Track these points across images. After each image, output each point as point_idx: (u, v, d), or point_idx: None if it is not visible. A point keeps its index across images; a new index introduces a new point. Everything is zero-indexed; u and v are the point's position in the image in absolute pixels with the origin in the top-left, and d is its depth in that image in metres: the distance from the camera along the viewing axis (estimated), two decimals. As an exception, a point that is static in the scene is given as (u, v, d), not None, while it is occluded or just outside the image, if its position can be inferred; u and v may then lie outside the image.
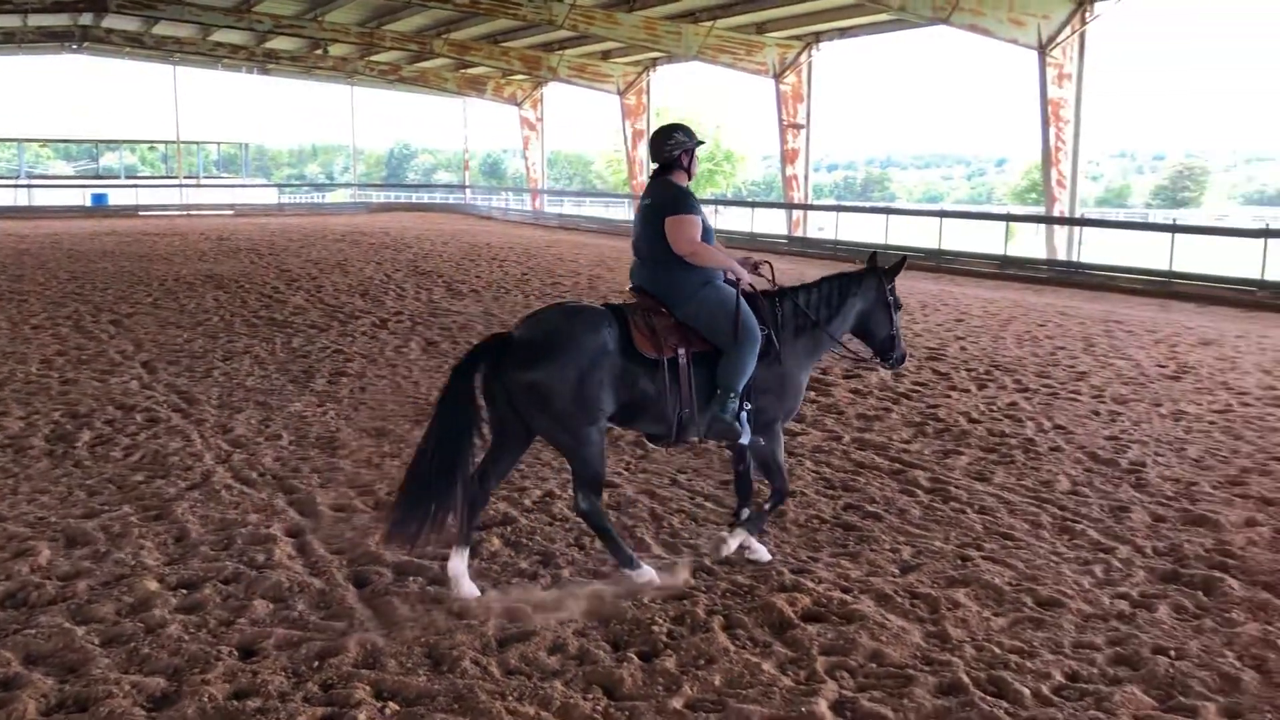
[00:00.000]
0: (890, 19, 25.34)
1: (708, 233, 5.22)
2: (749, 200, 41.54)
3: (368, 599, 4.84)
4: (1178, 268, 18.61)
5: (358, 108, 51.44)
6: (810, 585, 4.99)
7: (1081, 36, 22.42)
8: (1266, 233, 18.26)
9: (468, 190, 54.85)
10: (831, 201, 68.61)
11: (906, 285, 18.76)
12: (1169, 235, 19.54)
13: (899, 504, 6.33)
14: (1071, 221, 22.76)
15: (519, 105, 45.60)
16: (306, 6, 33.50)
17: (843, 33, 28.92)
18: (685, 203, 5.17)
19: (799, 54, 30.17)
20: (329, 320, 13.23)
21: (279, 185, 58.04)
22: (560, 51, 37.23)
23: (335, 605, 4.76)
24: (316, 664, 4.19)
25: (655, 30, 29.47)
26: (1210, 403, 9.22)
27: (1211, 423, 8.50)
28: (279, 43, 40.80)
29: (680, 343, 5.05)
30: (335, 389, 9.36)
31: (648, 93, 38.03)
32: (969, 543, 5.69)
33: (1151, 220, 43.56)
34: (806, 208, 30.98)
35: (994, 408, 8.97)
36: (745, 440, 5.22)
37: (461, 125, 52.16)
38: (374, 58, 42.71)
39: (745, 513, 5.46)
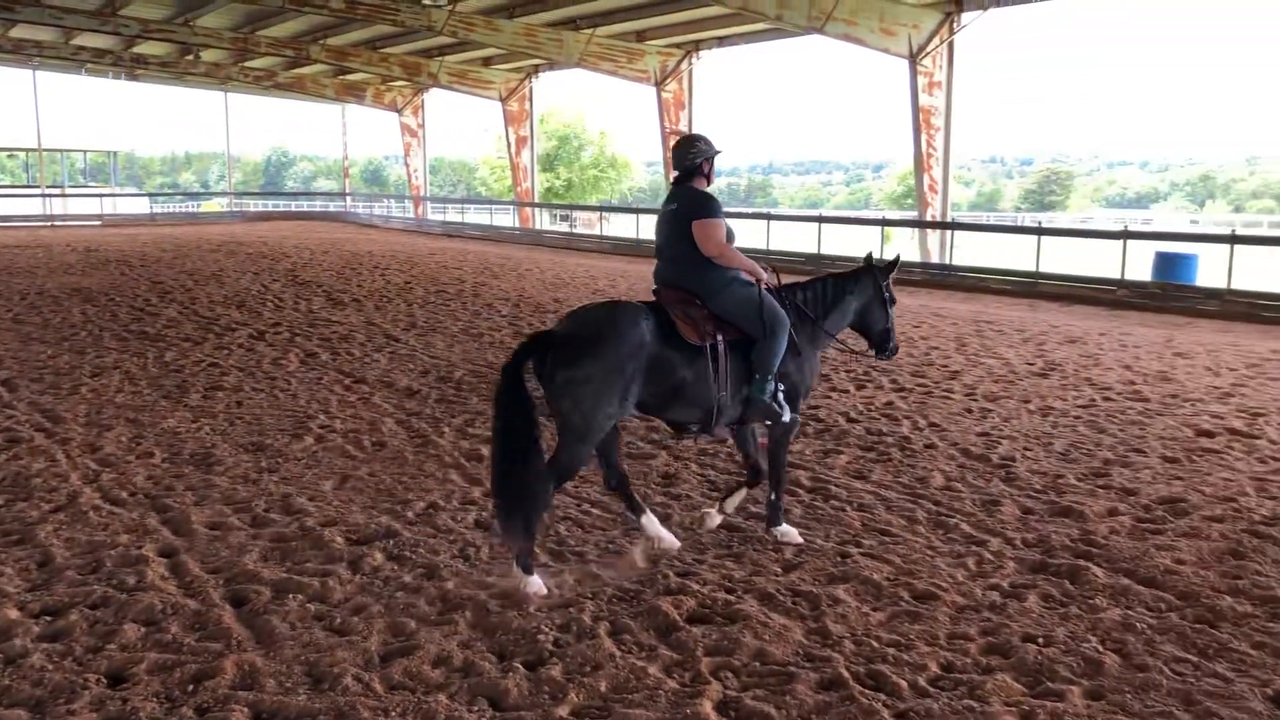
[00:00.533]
0: (767, 28, 25.78)
1: (729, 235, 5.62)
2: (634, 207, 41.72)
3: (246, 618, 4.71)
4: (1044, 269, 19.36)
5: (233, 114, 50.04)
6: (695, 587, 5.03)
7: (950, 46, 23.14)
8: (1126, 234, 19.14)
9: (348, 198, 53.84)
10: (715, 207, 69.13)
11: (788, 289, 19.09)
12: (1035, 238, 20.30)
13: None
14: (943, 225, 23.47)
15: (400, 112, 44.99)
16: (175, 10, 32.43)
17: (721, 41, 29.29)
18: (711, 208, 5.59)
19: (679, 62, 30.47)
20: (204, 333, 12.84)
21: (151, 195, 56.00)
22: (441, 58, 36.85)
23: (211, 626, 4.62)
24: (191, 687, 4.06)
25: (536, 37, 29.41)
26: (1075, 398, 9.60)
27: (1077, 417, 8.85)
28: (147, 47, 39.38)
29: (717, 330, 5.45)
30: (211, 403, 9.09)
31: (530, 100, 37.91)
32: (848, 540, 5.81)
33: (1020, 223, 45.22)
34: (690, 214, 31.22)
35: (872, 407, 9.19)
36: (787, 418, 5.65)
37: (341, 132, 51.21)
38: (249, 64, 41.59)
39: (774, 504, 5.83)
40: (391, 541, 5.69)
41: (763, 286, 5.66)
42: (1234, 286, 16.64)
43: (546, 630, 4.55)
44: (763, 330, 5.51)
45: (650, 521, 5.56)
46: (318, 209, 53.20)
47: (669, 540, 5.53)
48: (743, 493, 6.04)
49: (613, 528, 5.97)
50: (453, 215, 43.86)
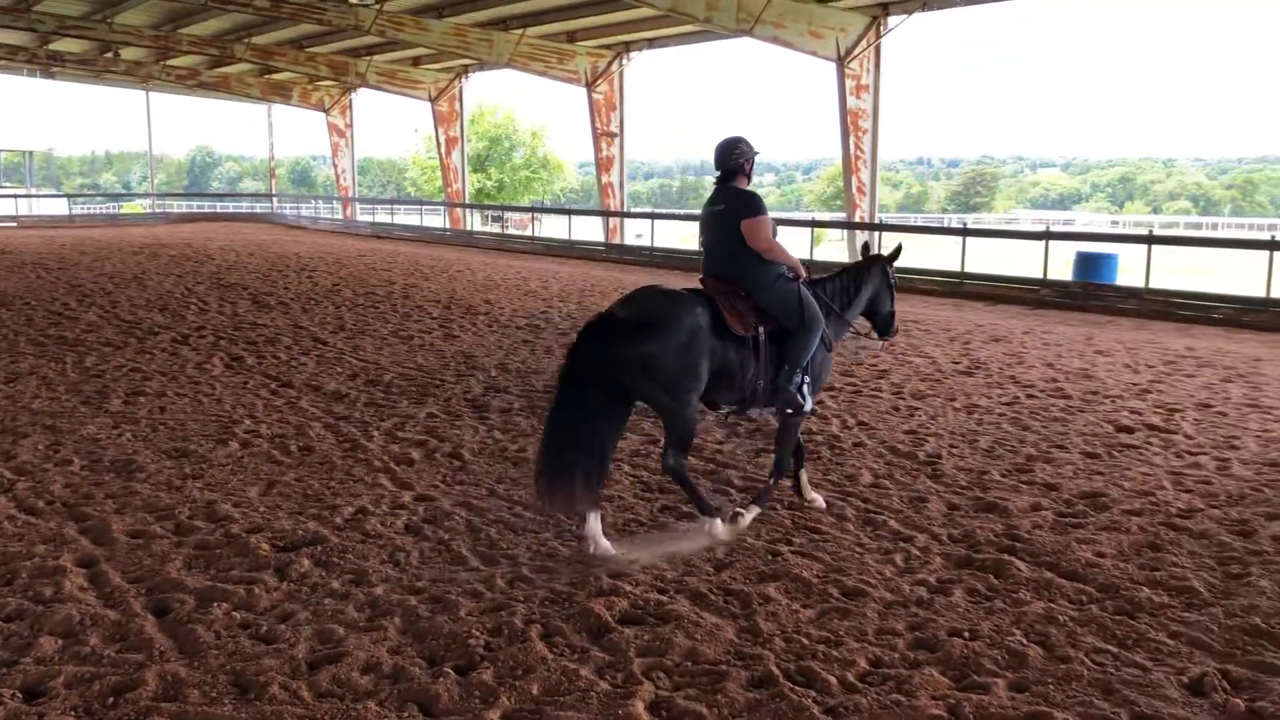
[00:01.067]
0: (697, 30, 25.89)
1: (774, 231, 6.05)
2: (566, 208, 41.64)
3: (169, 628, 4.61)
4: (969, 269, 19.71)
5: (155, 114, 49.01)
6: (628, 588, 5.04)
7: (877, 49, 23.46)
8: (1048, 235, 19.55)
9: (275, 199, 53.01)
10: (648, 209, 69.50)
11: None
12: (961, 238, 20.66)
13: (713, 503, 6.46)
14: (871, 227, 23.76)
15: (327, 111, 44.42)
16: (94, 7, 31.66)
17: (651, 43, 29.36)
18: (759, 206, 6.02)
19: (610, 63, 30.49)
20: (125, 337, 12.55)
21: (70, 195, 54.60)
22: (369, 57, 36.45)
23: (133, 637, 4.51)
24: (112, 700, 3.96)
25: (466, 37, 29.23)
26: (1000, 396, 9.79)
27: (1001, 415, 9.03)
28: (65, 44, 38.38)
29: (760, 322, 5.89)
30: (132, 409, 8.89)
31: (460, 100, 37.66)
32: (779, 538, 5.86)
33: (946, 224, 45.97)
34: (623, 215, 31.32)
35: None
36: (808, 408, 6.11)
37: (267, 132, 50.40)
38: (171, 62, 40.73)
39: (803, 475, 6.39)
40: (319, 547, 5.61)
41: (801, 283, 6.08)
42: (1152, 285, 17.09)
43: (477, 634, 4.52)
44: (801, 324, 5.98)
45: (595, 523, 5.64)
46: (244, 210, 52.29)
47: (604, 547, 5.57)
48: (804, 474, 6.45)
49: (544, 530, 5.95)
50: (382, 216, 43.39)
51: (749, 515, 6.04)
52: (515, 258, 27.39)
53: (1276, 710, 3.91)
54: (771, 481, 6.26)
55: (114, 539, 5.72)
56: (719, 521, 5.81)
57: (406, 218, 43.25)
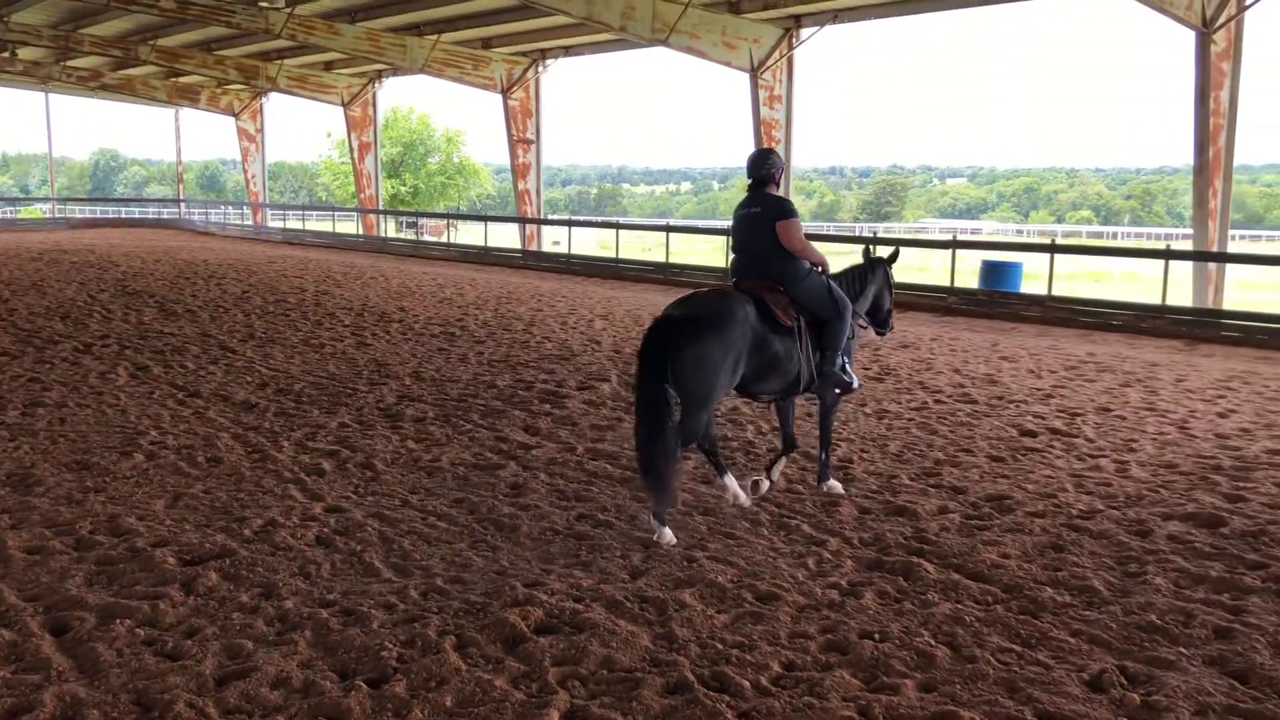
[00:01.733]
0: (612, 39, 25.96)
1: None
2: (482, 214, 41.39)
3: (68, 647, 4.46)
4: (881, 277, 20.03)
5: (56, 115, 47.49)
6: (543, 598, 5.02)
7: (790, 61, 23.79)
8: (955, 244, 20.00)
9: (183, 204, 51.75)
10: (564, 216, 69.51)
11: (638, 298, 19.29)
12: (871, 247, 20.99)
13: (630, 510, 6.48)
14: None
15: (237, 116, 43.54)
16: (-11, 4, 30.61)
17: (567, 50, 29.39)
18: (792, 209, 6.69)
19: (526, 70, 30.42)
20: (23, 346, 12.13)
21: (-38, 199, 52.61)
22: (280, 61, 35.82)
23: (29, 657, 4.36)
24: (6, 724, 3.83)
25: (379, 42, 28.90)
26: (909, 401, 9.98)
27: (910, 419, 9.20)
28: (-42, 43, 37.04)
29: (799, 314, 6.52)
30: (30, 421, 8.59)
31: (374, 105, 37.23)
32: (695, 544, 5.90)
33: (858, 234, 46.68)
34: (540, 222, 31.24)
35: (717, 413, 9.33)
36: (856, 385, 6.89)
37: (175, 136, 49.19)
38: (72, 63, 39.53)
39: (782, 461, 7.08)
40: (227, 561, 5.49)
41: (827, 276, 6.79)
42: (1055, 293, 17.58)
43: (390, 646, 4.47)
44: (835, 313, 6.67)
45: (730, 481, 6.54)
46: (150, 216, 51.00)
47: (744, 497, 6.53)
48: (783, 461, 7.11)
49: (458, 541, 5.90)
50: (294, 222, 42.64)
51: (837, 487, 6.96)
52: (430, 264, 27.13)
53: (1170, 704, 4.05)
54: (824, 456, 7.05)
55: (9, 555, 5.52)
56: (666, 532, 5.97)
57: (319, 224, 42.61)
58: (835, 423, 6.65)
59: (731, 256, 6.97)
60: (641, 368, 5.96)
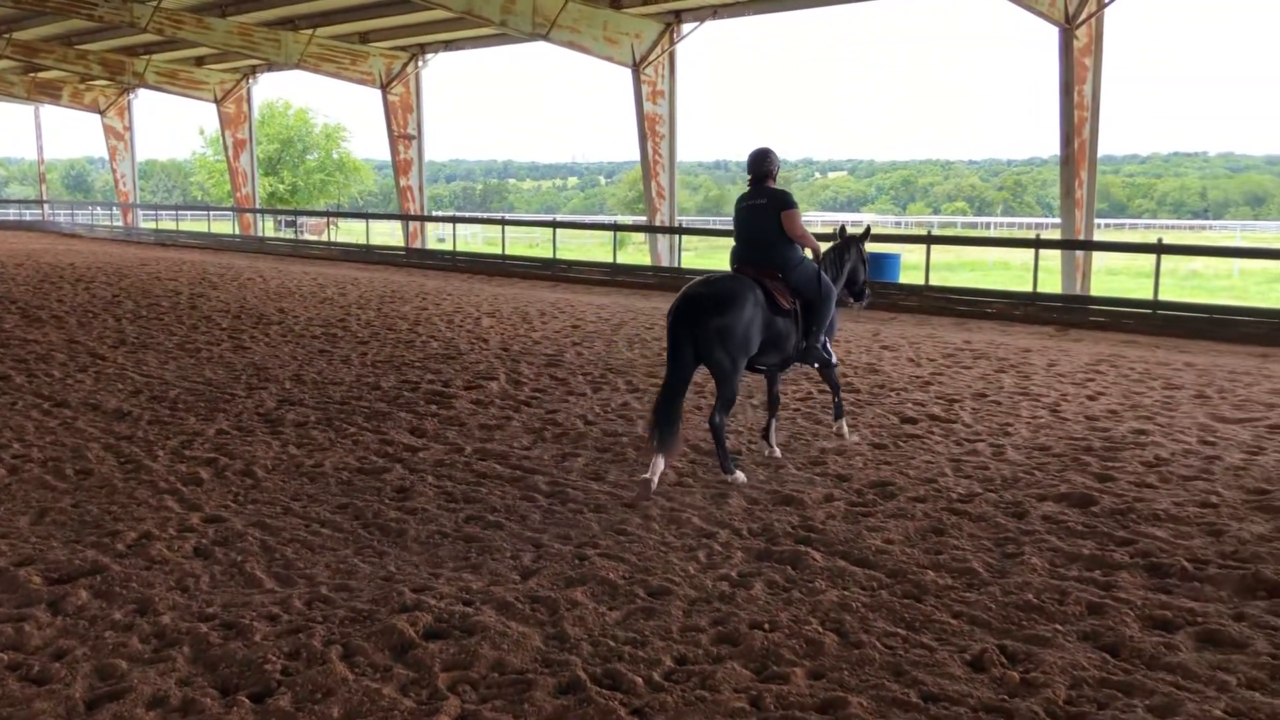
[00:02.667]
0: (493, 33, 25.76)
1: None
2: (363, 212, 40.60)
3: (-76, 677, 4.22)
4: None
5: (-98, 113, 44.89)
6: (432, 602, 4.94)
7: (671, 55, 23.93)
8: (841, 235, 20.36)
9: (46, 206, 49.55)
10: (449, 213, 68.71)
11: (525, 295, 19.17)
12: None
13: (520, 510, 6.43)
14: (672, 230, 24.22)
15: (103, 113, 41.86)
16: None
17: (448, 45, 29.03)
18: (793, 200, 7.48)
19: (405, 65, 29.96)
20: None
21: None
22: (147, 56, 34.57)
23: (-119, 689, 4.11)
24: None
25: (252, 37, 28.12)
26: (794, 392, 10.13)
27: (795, 410, 9.34)
28: None
29: (794, 297, 7.34)
30: (-120, 437, 8.11)
31: (249, 101, 36.22)
32: (586, 542, 5.88)
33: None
34: (423, 219, 30.81)
35: (608, 409, 9.35)
36: (833, 361, 7.95)
37: (35, 134, 47.07)
38: (-81, 56, 37.47)
39: (773, 424, 7.89)
40: (99, 577, 5.26)
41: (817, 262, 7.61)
42: (931, 283, 18.07)
43: (274, 659, 4.34)
44: (821, 297, 7.49)
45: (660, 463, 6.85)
46: (11, 217, 48.67)
47: (741, 477, 7.09)
48: (774, 421, 7.91)
49: (344, 547, 5.78)
50: (167, 223, 41.21)
51: (846, 428, 8.28)
52: (310, 264, 26.52)
53: (1048, 680, 4.19)
54: (837, 400, 8.23)
55: None
56: (739, 474, 7.08)
57: (193, 224, 41.28)
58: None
59: (733, 244, 7.68)
60: (673, 338, 6.87)
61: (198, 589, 5.15)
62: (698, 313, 6.83)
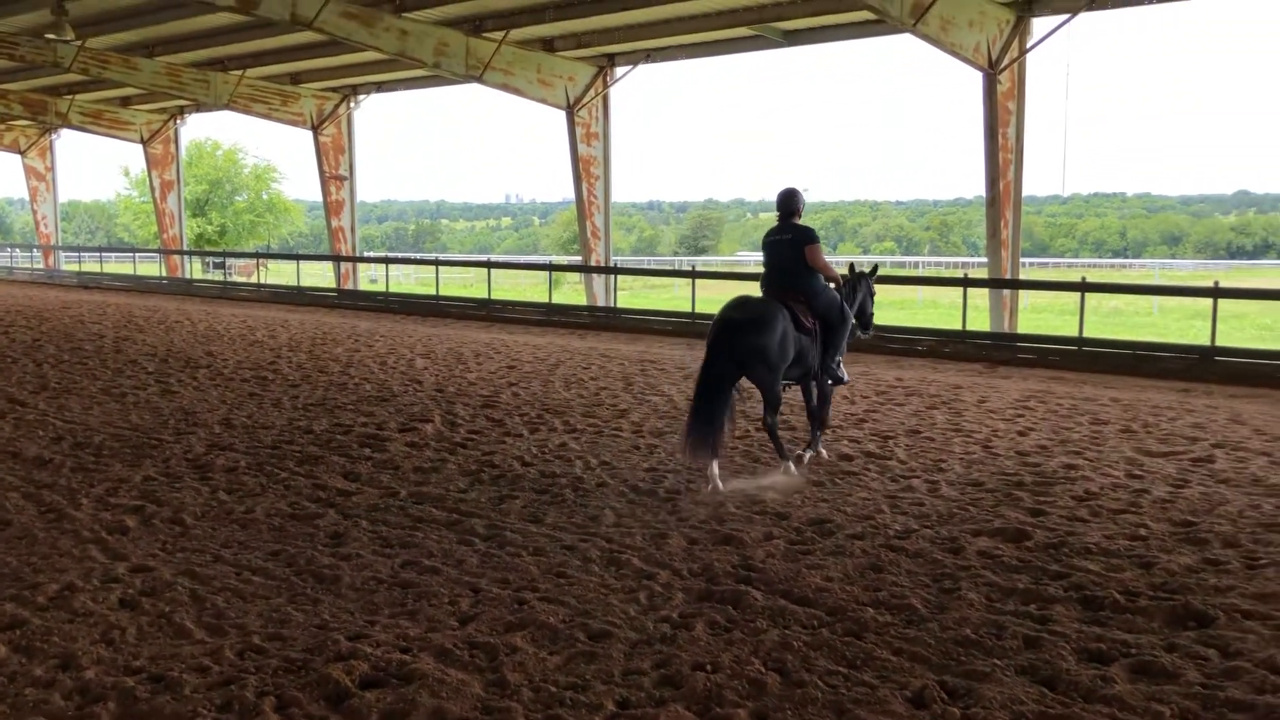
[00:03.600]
0: (426, 75, 25.73)
1: None
2: (294, 253, 40.15)
3: None
4: (700, 309, 20.46)
5: None
6: (368, 650, 4.84)
7: (605, 98, 24.11)
8: (852, 273, 20.61)
9: (-37, 248, 48.20)
10: (381, 253, 68.24)
11: (460, 335, 19.05)
12: (690, 280, 21.43)
13: (457, 554, 6.35)
14: (607, 270, 24.28)
15: (24, 153, 40.96)
16: None
17: (380, 86, 28.93)
18: (816, 236, 8.69)
19: (337, 106, 29.80)
20: None
21: None
22: (71, 96, 33.93)
23: None
24: None
25: (180, 77, 27.76)
26: (733, 431, 10.14)
27: (733, 449, 9.37)
28: None
29: (815, 320, 8.49)
30: None
31: (176, 142, 35.69)
32: (525, 585, 5.81)
33: (677, 267, 47.61)
34: (355, 260, 30.54)
35: (545, 450, 9.29)
36: (846, 379, 9.20)
37: (-48, 175, 45.90)
38: None
39: (815, 436, 8.91)
40: (19, 631, 5.07)
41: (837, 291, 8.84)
42: (864, 321, 18.28)
43: (204, 712, 4.22)
44: (840, 320, 8.71)
45: (715, 468, 7.98)
46: (-76, 260, 47.25)
47: (719, 486, 7.88)
48: (817, 434, 8.95)
49: (276, 595, 5.64)
50: (90, 265, 40.30)
51: (807, 456, 8.68)
52: (240, 306, 26.11)
53: (987, 715, 4.22)
54: (817, 434, 8.90)
55: None
56: (791, 465, 8.31)
57: (118, 266, 40.46)
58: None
59: (762, 272, 8.86)
60: (712, 354, 7.94)
61: (124, 642, 5.00)
62: (736, 334, 7.95)
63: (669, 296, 35.83)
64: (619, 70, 23.76)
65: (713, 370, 7.92)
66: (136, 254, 39.67)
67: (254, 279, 36.15)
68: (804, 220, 8.86)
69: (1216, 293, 14.83)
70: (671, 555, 6.34)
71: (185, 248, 37.17)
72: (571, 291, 32.36)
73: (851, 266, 9.55)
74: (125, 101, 34.13)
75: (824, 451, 8.99)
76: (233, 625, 5.22)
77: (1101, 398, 12.24)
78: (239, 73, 27.87)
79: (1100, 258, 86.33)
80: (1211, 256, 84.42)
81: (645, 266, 45.36)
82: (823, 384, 8.83)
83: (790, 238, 8.61)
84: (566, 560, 6.24)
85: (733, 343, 7.92)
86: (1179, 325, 26.49)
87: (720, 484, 7.81)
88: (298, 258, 33.69)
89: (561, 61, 23.26)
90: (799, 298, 8.43)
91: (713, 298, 25.57)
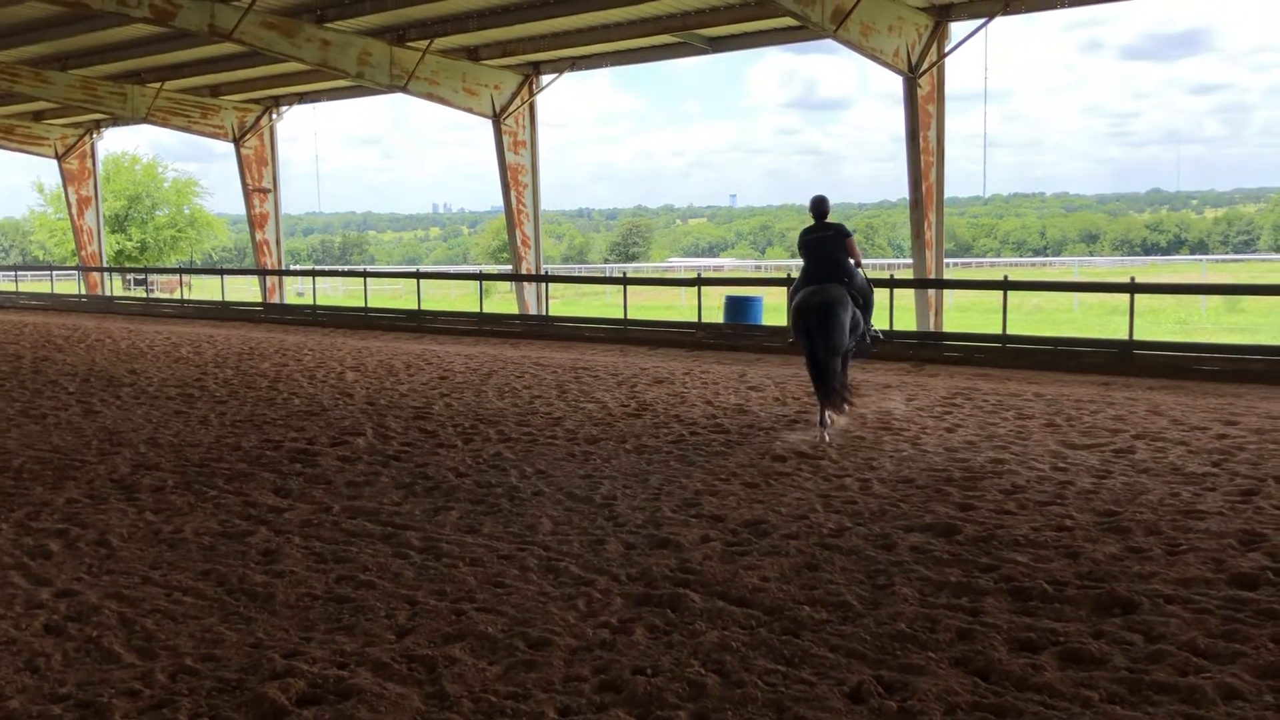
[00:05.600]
0: (350, 85, 25.49)
1: None
2: (218, 268, 39.43)
3: None
4: (632, 316, 20.52)
5: None
6: (304, 667, 4.77)
7: (531, 106, 24.09)
8: (700, 281, 20.73)
9: None
10: (308, 266, 67.33)
11: (390, 347, 18.86)
12: (622, 287, 21.47)
13: (392, 568, 6.28)
14: (538, 279, 24.24)
15: (-68, 170, 39.68)
16: None
17: (302, 98, 28.58)
18: (850, 230, 10.87)
19: (259, 117, 29.37)
20: None
21: None
22: (-19, 111, 32.99)
23: None
24: None
25: (95, 90, 27.13)
26: (666, 435, 10.21)
27: (669, 453, 9.41)
28: None
29: (857, 295, 10.55)
30: None
31: (93, 157, 34.88)
32: (462, 596, 5.77)
33: (608, 274, 47.62)
34: (281, 273, 30.11)
35: (480, 460, 9.24)
36: (875, 350, 11.72)
37: None
38: None
39: (828, 413, 10.29)
40: (-62, 663, 4.91)
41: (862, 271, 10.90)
42: (794, 324, 18.46)
43: (136, 738, 4.12)
44: (870, 295, 10.90)
45: (824, 431, 10.11)
46: None
47: (827, 435, 10.07)
48: (844, 409, 10.62)
49: (208, 615, 5.54)
50: (5, 284, 39.15)
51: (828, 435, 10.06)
52: (163, 323, 25.58)
53: (924, 707, 4.29)
54: (843, 389, 10.47)
55: None
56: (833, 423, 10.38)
57: (35, 284, 39.36)
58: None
59: (806, 264, 10.59)
60: (808, 329, 10.12)
61: (49, 669, 4.86)
62: (827, 315, 10.02)
63: (601, 304, 35.86)
64: (545, 78, 23.76)
65: (817, 347, 10.04)
66: (54, 271, 38.64)
67: (177, 295, 35.42)
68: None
69: (1133, 288, 15.23)
70: (609, 561, 6.35)
71: (105, 265, 36.32)
72: (503, 301, 32.24)
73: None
74: (38, 116, 33.25)
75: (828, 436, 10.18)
76: (164, 647, 5.11)
77: (1026, 393, 12.51)
78: (157, 85, 27.32)
79: (1021, 257, 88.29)
80: (1128, 253, 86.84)
81: (577, 274, 45.35)
82: (863, 346, 10.91)
83: (831, 234, 10.60)
84: (504, 570, 6.21)
85: (822, 323, 10.00)
86: (1099, 321, 27.13)
87: (828, 433, 9.96)
88: (221, 272, 33.14)
89: (487, 70, 23.20)
90: (843, 280, 10.34)
91: (644, 304, 25.73)
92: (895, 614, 5.32)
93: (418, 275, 26.07)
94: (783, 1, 16.09)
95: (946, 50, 18.20)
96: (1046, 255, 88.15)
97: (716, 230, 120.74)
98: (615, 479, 8.46)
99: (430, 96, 22.71)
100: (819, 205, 10.78)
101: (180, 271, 39.68)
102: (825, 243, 10.53)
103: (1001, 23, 17.22)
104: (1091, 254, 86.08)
